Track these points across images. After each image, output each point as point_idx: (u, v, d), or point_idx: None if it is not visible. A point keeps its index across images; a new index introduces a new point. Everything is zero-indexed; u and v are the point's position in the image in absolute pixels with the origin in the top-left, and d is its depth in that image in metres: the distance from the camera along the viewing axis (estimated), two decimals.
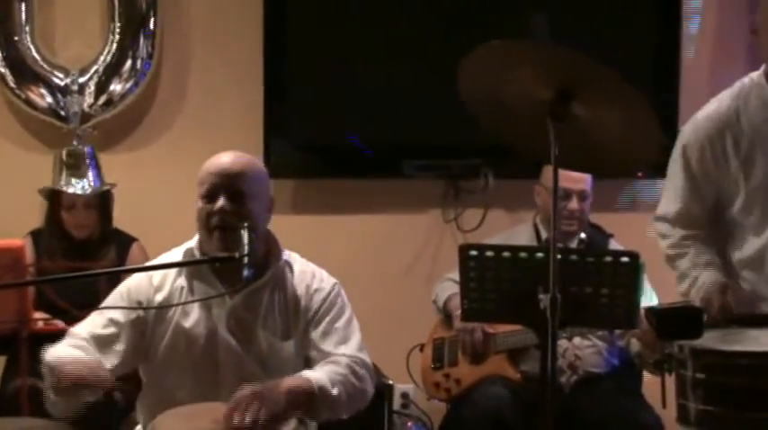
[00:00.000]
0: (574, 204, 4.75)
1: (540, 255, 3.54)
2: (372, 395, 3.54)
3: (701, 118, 3.68)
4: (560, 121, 2.99)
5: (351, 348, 3.49)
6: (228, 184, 3.38)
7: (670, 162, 3.80)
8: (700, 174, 3.68)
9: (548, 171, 4.74)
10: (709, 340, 3.23)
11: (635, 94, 2.94)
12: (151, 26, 5.47)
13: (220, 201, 3.36)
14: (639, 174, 5.62)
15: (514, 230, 5.05)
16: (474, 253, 4.08)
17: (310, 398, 3.25)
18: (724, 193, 3.67)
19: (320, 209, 5.67)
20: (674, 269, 3.86)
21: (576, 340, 4.78)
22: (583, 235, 4.89)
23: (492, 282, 3.98)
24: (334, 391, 3.32)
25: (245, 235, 3.22)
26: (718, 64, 5.78)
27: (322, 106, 5.58)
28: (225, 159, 3.44)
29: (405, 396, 5.57)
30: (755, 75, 3.63)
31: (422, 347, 5.09)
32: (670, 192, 3.80)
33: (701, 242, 3.75)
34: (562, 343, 4.65)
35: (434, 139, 5.61)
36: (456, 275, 4.84)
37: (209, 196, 3.39)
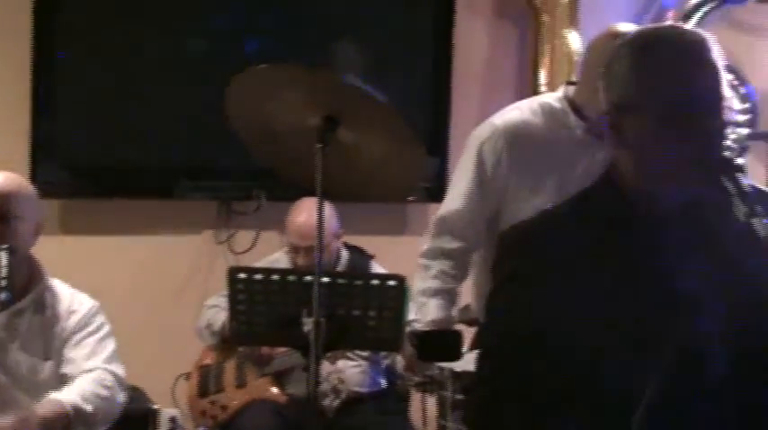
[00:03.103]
0: (301, 260, 4.78)
1: (308, 278, 3.56)
2: (122, 404, 3.60)
3: (500, 123, 3.61)
4: (327, 147, 3.02)
5: (100, 360, 3.54)
6: None
7: (461, 163, 3.72)
8: (491, 180, 3.59)
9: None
10: (469, 362, 3.30)
11: (401, 121, 3.00)
12: None
13: None
14: (411, 198, 5.72)
15: (275, 257, 5.03)
16: (243, 276, 4.07)
17: (65, 422, 3.27)
18: (509, 205, 3.63)
19: (89, 230, 5.55)
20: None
21: (340, 363, 4.81)
22: (345, 255, 4.95)
23: (261, 305, 3.99)
24: (88, 408, 3.37)
25: (3, 257, 3.15)
26: (487, 94, 5.93)
27: (92, 125, 5.47)
28: None
29: (173, 420, 5.50)
30: (556, 95, 3.62)
31: (188, 376, 5.03)
32: (455, 192, 3.72)
33: (453, 260, 3.70)
34: (325, 366, 4.67)
35: (207, 160, 5.58)
36: (216, 301, 4.86)
37: None
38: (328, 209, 4.78)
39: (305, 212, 4.76)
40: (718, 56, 2.14)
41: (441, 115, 5.80)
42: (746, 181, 2.08)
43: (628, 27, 3.52)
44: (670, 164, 2.10)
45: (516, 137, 3.52)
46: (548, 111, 3.54)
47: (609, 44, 3.43)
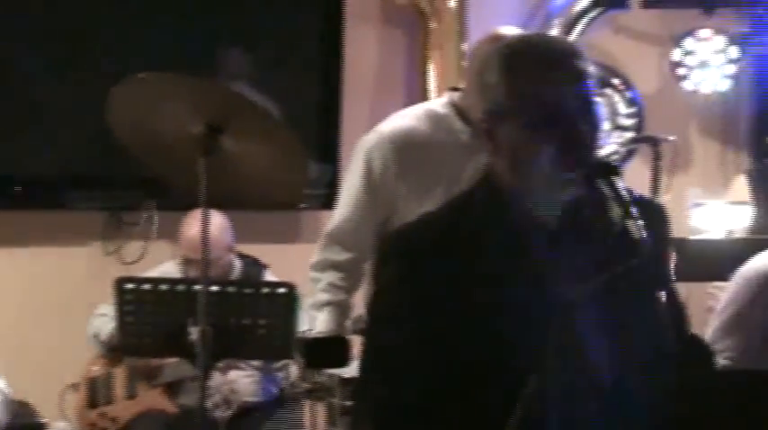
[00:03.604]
0: (194, 272, 4.68)
1: (197, 287, 3.53)
2: (5, 421, 3.50)
3: (387, 131, 3.58)
4: (210, 156, 3.00)
5: None
6: None
7: (349, 171, 3.70)
8: (379, 187, 3.56)
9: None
10: (356, 369, 3.30)
11: (284, 128, 3.00)
12: None
13: None
14: (302, 205, 5.72)
15: (166, 268, 4.98)
16: (130, 286, 4.05)
17: None
18: (398, 212, 3.63)
19: None
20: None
21: (232, 374, 4.79)
22: (238, 265, 4.92)
23: (149, 316, 3.96)
24: None
25: None
26: (377, 100, 5.95)
27: None
28: None
29: None
30: (441, 101, 3.63)
31: (76, 387, 4.96)
32: (344, 201, 3.69)
33: (343, 271, 3.69)
34: (217, 377, 4.64)
35: (94, 170, 5.51)
36: (106, 309, 4.79)
37: None
38: (221, 221, 4.75)
39: (197, 224, 4.69)
40: (587, 63, 2.17)
41: (331, 122, 5.81)
42: (622, 184, 2.11)
43: (511, 31, 3.57)
44: (542, 168, 2.13)
45: (403, 144, 3.52)
46: (433, 118, 3.56)
47: (485, 49, 3.51)
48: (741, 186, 5.59)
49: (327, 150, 5.74)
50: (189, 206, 4.84)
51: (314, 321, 3.57)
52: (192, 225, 4.73)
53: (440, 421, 2.17)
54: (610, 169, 2.14)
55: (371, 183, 3.54)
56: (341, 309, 3.59)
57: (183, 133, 3.06)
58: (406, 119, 3.61)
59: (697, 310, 5.23)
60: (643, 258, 2.04)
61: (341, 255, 3.61)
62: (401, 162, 3.52)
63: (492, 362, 2.12)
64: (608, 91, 6.17)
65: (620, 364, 2.16)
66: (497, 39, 3.37)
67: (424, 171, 3.52)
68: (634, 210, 2.06)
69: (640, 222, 2.05)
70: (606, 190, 2.09)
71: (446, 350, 2.14)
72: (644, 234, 2.03)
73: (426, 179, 3.51)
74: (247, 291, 4.09)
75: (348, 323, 3.69)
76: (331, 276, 3.59)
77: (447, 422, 2.16)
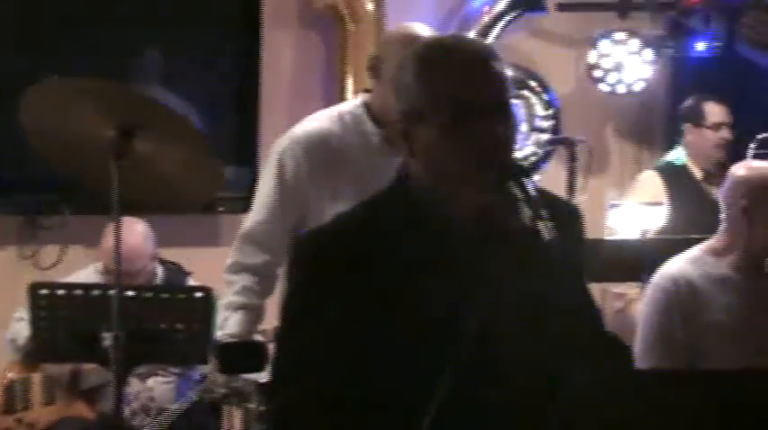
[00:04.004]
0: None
1: (112, 292, 3.50)
2: None
3: (300, 133, 3.60)
4: (122, 159, 2.98)
5: None
6: None
7: (262, 175, 3.71)
8: (292, 190, 3.59)
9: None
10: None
11: (197, 131, 2.99)
12: None
13: None
14: (221, 209, 5.70)
15: (85, 273, 4.93)
16: (45, 291, 4.00)
17: None
18: (311, 213, 3.64)
19: None
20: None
21: (151, 381, 4.75)
22: (160, 272, 4.88)
23: (63, 321, 3.92)
24: None
25: None
26: (295, 103, 5.94)
27: None
28: None
29: None
30: (354, 104, 3.65)
31: None
32: (258, 204, 3.70)
33: (257, 275, 3.68)
34: (135, 384, 4.60)
35: (9, 174, 5.44)
36: (24, 313, 4.72)
37: None
38: (144, 230, 4.71)
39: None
40: (503, 65, 2.19)
41: (250, 125, 5.80)
42: (532, 185, 2.12)
43: (420, 28, 3.61)
44: (456, 170, 2.14)
45: (314, 146, 3.53)
46: (346, 120, 3.58)
47: (397, 50, 3.54)
48: (648, 183, 5.66)
49: (246, 153, 5.73)
50: (104, 210, 4.80)
51: (225, 323, 3.56)
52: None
53: (350, 423, 2.17)
54: (520, 171, 2.15)
55: (284, 186, 3.56)
56: (254, 312, 3.59)
57: (95, 137, 3.04)
58: (317, 121, 3.63)
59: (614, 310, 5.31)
60: (553, 259, 2.06)
61: (255, 258, 3.61)
62: (312, 164, 3.54)
63: (404, 363, 2.13)
64: (525, 93, 6.22)
65: (536, 364, 2.17)
66: (406, 37, 3.46)
67: (335, 173, 3.55)
68: (544, 212, 2.07)
69: (550, 223, 2.06)
70: (517, 191, 2.11)
71: (358, 352, 2.14)
72: (553, 235, 2.05)
73: (338, 181, 3.53)
74: (164, 295, 4.07)
75: (261, 327, 3.70)
76: (245, 279, 3.59)
77: (358, 424, 2.17)
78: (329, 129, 3.56)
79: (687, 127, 5.72)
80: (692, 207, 5.28)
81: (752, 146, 5.61)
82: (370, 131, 3.52)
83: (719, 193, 3.82)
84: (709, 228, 3.86)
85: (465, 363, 2.05)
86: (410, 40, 3.48)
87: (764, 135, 5.64)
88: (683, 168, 5.66)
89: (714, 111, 5.64)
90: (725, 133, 5.62)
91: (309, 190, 3.54)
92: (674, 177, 5.63)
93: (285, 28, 5.98)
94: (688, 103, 5.79)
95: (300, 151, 3.54)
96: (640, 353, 3.72)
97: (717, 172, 5.50)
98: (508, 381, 2.16)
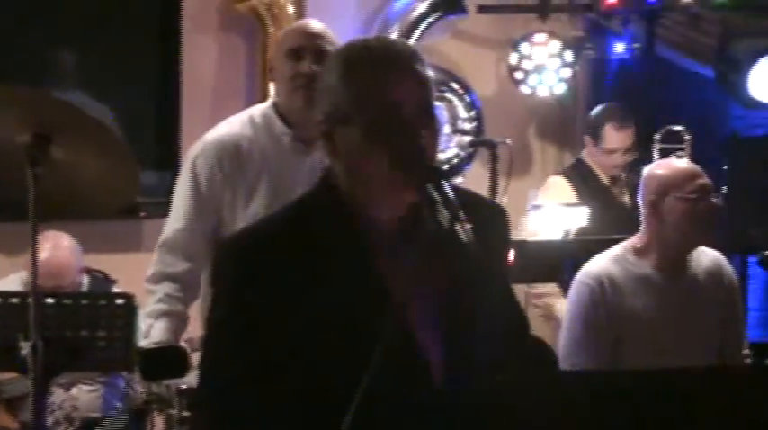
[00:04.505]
0: None
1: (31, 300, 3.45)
2: None
3: (211, 138, 3.64)
4: (38, 166, 2.94)
5: None
6: None
7: (178, 182, 3.72)
8: (207, 195, 3.61)
9: None
10: (195, 379, 3.27)
11: (115, 137, 2.96)
12: None
13: None
14: (143, 214, 5.65)
15: (10, 279, 4.87)
16: None
17: None
18: (226, 217, 3.65)
19: None
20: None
21: (75, 390, 4.71)
22: (85, 281, 4.83)
23: None
24: None
25: None
26: (217, 107, 5.90)
27: None
28: None
29: None
30: (265, 106, 3.67)
31: None
32: (175, 211, 3.72)
33: (179, 282, 3.68)
34: (59, 393, 4.55)
35: None
36: None
37: None
38: (71, 244, 4.68)
39: (47, 250, 4.57)
40: (427, 67, 2.19)
41: (171, 130, 5.77)
42: (451, 187, 2.13)
43: (316, 25, 3.63)
44: (378, 172, 2.14)
45: (226, 151, 3.57)
46: (256, 122, 3.62)
47: (279, 47, 3.58)
48: (556, 187, 5.71)
49: (167, 158, 5.69)
50: (21, 217, 4.74)
51: (149, 331, 3.55)
52: (41, 250, 4.62)
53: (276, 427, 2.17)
54: (438, 173, 2.16)
55: (198, 193, 3.60)
56: (178, 319, 3.59)
57: (10, 143, 2.99)
58: (228, 126, 3.67)
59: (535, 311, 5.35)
60: (471, 260, 2.06)
61: (176, 267, 3.63)
62: (225, 169, 3.58)
63: (328, 364, 2.13)
64: (448, 95, 6.24)
65: (457, 364, 2.18)
66: (304, 33, 3.59)
67: (248, 175, 3.58)
68: (462, 214, 2.08)
69: (468, 225, 2.07)
70: (435, 194, 2.11)
71: (282, 354, 2.14)
72: (472, 236, 2.06)
73: (252, 183, 3.58)
74: (84, 302, 4.02)
75: (186, 336, 3.68)
76: (167, 287, 3.60)
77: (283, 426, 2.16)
78: (240, 133, 3.60)
79: (587, 139, 5.76)
80: (600, 209, 5.32)
81: (656, 137, 5.70)
82: (281, 132, 3.56)
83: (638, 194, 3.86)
84: (616, 230, 3.91)
85: (384, 364, 2.05)
86: (304, 33, 3.56)
87: (669, 128, 5.73)
88: (590, 171, 5.70)
89: (611, 138, 5.62)
90: (619, 160, 5.62)
91: (224, 194, 3.58)
92: (582, 180, 5.68)
93: (206, 31, 5.96)
94: (593, 115, 5.78)
95: (212, 157, 3.58)
96: (567, 350, 3.76)
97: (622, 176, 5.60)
98: (429, 381, 2.17)
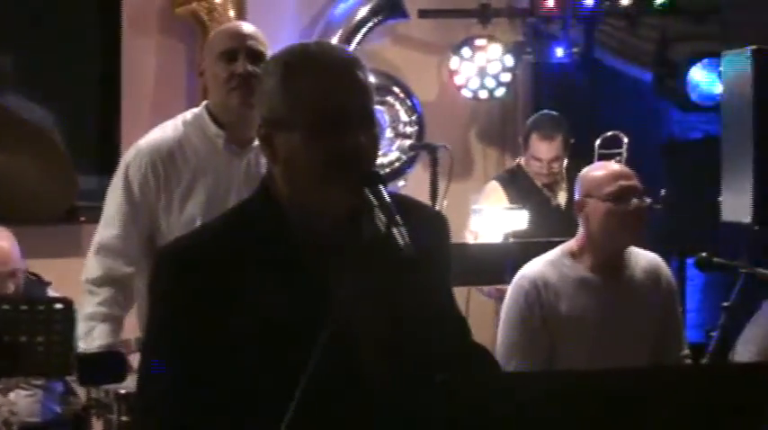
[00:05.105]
0: None
1: None
2: None
3: (144, 145, 3.65)
4: None
5: None
6: None
7: (110, 188, 3.71)
8: (140, 201, 3.61)
9: None
10: (133, 384, 3.26)
11: (52, 141, 2.94)
12: None
13: None
14: (82, 218, 5.61)
15: None
16: None
17: None
18: (162, 223, 3.65)
19: None
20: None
21: (12, 395, 4.66)
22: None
23: None
24: None
25: None
26: (158, 110, 5.88)
27: None
28: None
29: None
30: (197, 109, 3.67)
31: None
32: (109, 217, 3.71)
33: (117, 286, 3.68)
34: None
35: None
36: None
37: None
38: (10, 235, 4.63)
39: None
40: (366, 72, 2.19)
41: (111, 133, 5.74)
42: (388, 191, 2.14)
43: (248, 27, 3.65)
44: (317, 178, 2.14)
45: (160, 155, 3.58)
46: (189, 126, 3.62)
47: (211, 49, 3.59)
48: (491, 193, 5.74)
49: (108, 162, 5.64)
50: None
51: (89, 333, 3.54)
52: None
53: None
54: (376, 178, 2.17)
55: (132, 199, 3.61)
56: (117, 323, 3.58)
57: None
58: (161, 131, 3.68)
59: (477, 313, 5.38)
60: (408, 264, 2.07)
61: (118, 271, 3.64)
62: (158, 173, 3.58)
63: (266, 370, 2.13)
64: (389, 99, 6.26)
65: (395, 367, 2.19)
66: (236, 34, 3.62)
67: (183, 180, 3.59)
68: (398, 218, 2.09)
69: (404, 229, 2.08)
70: (372, 198, 2.12)
71: (219, 362, 2.13)
72: (408, 241, 2.07)
73: (186, 188, 3.59)
74: (23, 307, 3.98)
75: (132, 339, 3.67)
76: (110, 291, 3.61)
77: None
78: (173, 138, 3.60)
79: (521, 141, 5.80)
80: (535, 213, 5.35)
81: (597, 143, 5.75)
82: (214, 134, 3.57)
83: None
84: (552, 233, 3.94)
85: (321, 368, 2.06)
86: (234, 34, 3.58)
87: (609, 133, 5.79)
88: (525, 175, 5.74)
89: (536, 147, 5.64)
90: (544, 169, 5.63)
91: (159, 200, 3.59)
92: (517, 184, 5.71)
93: (146, 34, 5.93)
94: (528, 122, 5.80)
95: (145, 163, 3.59)
96: (503, 352, 3.78)
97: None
98: (366, 385, 2.17)
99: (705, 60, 6.24)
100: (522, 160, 5.78)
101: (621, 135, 5.78)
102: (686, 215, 6.09)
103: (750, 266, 3.90)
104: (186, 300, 2.17)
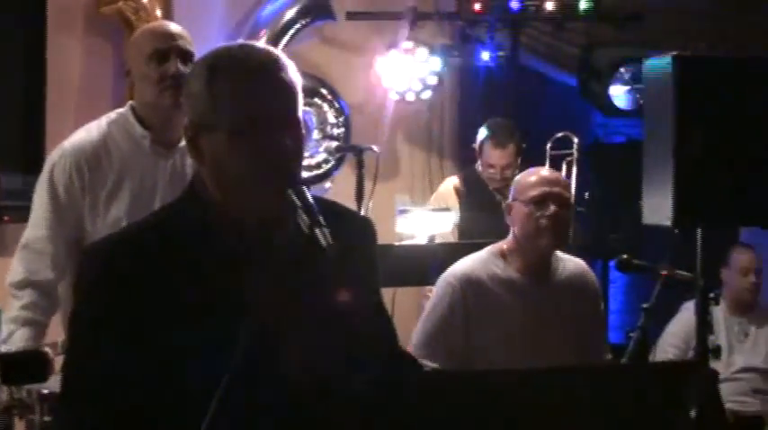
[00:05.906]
0: None
1: None
2: None
3: (69, 146, 3.60)
4: None
5: None
6: None
7: (36, 189, 3.67)
8: (66, 202, 3.57)
9: None
10: (56, 384, 3.23)
11: None
12: None
13: None
14: (6, 218, 5.56)
15: None
16: None
17: None
18: (88, 224, 3.62)
19: None
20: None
21: None
22: None
23: None
24: None
25: None
26: (83, 110, 5.84)
27: None
28: None
29: None
30: (122, 110, 3.65)
31: None
32: (36, 218, 3.67)
33: (41, 289, 3.65)
34: None
35: None
36: None
37: None
38: None
39: None
40: (292, 73, 2.20)
41: (35, 133, 5.68)
42: (316, 198, 2.15)
43: (173, 26, 3.64)
44: (242, 180, 2.15)
45: (84, 156, 3.56)
46: (114, 126, 3.60)
47: (134, 48, 3.57)
48: (443, 197, 5.78)
49: (33, 161, 5.60)
50: None
51: (11, 337, 3.50)
52: None
53: None
54: (299, 180, 2.18)
55: (57, 201, 3.58)
56: (39, 328, 3.56)
57: None
58: (85, 132, 3.65)
59: (405, 314, 5.41)
60: (331, 265, 2.09)
61: (41, 275, 3.60)
62: (83, 175, 3.56)
63: (190, 369, 2.13)
64: (317, 101, 6.27)
65: (318, 365, 2.20)
66: (141, 34, 3.62)
67: (108, 181, 3.57)
68: (321, 219, 2.11)
69: (327, 230, 2.10)
70: (295, 200, 2.13)
71: (142, 362, 2.13)
72: (330, 240, 2.09)
73: (111, 189, 3.57)
74: None
75: (48, 339, 3.64)
76: (32, 295, 3.58)
77: None
78: (98, 138, 3.58)
79: (475, 147, 5.83)
80: (487, 217, 5.38)
81: (548, 145, 5.82)
82: (140, 134, 3.55)
83: None
84: (503, 236, 3.98)
85: (242, 367, 2.07)
86: (160, 34, 3.57)
87: (560, 134, 5.86)
88: (479, 180, 5.78)
89: (489, 154, 5.66)
90: (496, 175, 5.65)
91: (84, 201, 3.56)
92: (470, 188, 5.75)
93: (71, 33, 5.88)
94: (481, 130, 5.78)
95: (70, 164, 3.56)
96: (417, 339, 3.83)
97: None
98: (285, 385, 2.18)
99: (628, 65, 6.34)
100: (477, 164, 5.79)
101: (572, 135, 5.85)
102: (608, 218, 6.18)
103: (669, 268, 3.97)
104: (109, 297, 2.16)
